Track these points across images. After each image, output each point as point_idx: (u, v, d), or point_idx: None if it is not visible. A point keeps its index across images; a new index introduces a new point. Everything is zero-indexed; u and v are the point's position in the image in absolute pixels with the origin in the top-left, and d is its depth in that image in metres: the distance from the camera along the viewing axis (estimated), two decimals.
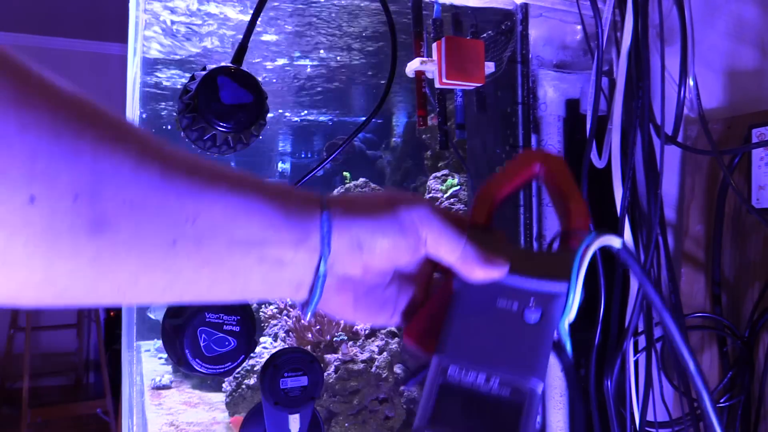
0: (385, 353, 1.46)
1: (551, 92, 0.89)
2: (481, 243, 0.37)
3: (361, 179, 2.33)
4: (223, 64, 0.61)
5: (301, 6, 1.22)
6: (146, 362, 2.09)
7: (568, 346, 0.38)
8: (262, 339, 1.76)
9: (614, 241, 0.36)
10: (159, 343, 2.15)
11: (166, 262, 0.30)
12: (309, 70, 1.80)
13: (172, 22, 1.31)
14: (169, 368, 2.00)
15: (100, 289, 0.29)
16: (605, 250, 0.37)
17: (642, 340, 0.81)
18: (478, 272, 0.37)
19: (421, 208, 0.37)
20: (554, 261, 0.38)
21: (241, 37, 0.64)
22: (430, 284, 0.41)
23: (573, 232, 0.39)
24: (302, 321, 1.52)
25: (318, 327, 1.51)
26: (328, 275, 0.36)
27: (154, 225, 0.29)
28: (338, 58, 1.64)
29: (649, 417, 0.78)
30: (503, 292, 0.37)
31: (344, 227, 0.35)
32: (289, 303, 1.69)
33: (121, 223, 0.28)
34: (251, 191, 0.33)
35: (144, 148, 0.29)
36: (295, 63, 1.73)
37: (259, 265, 0.33)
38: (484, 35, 0.95)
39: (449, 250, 0.37)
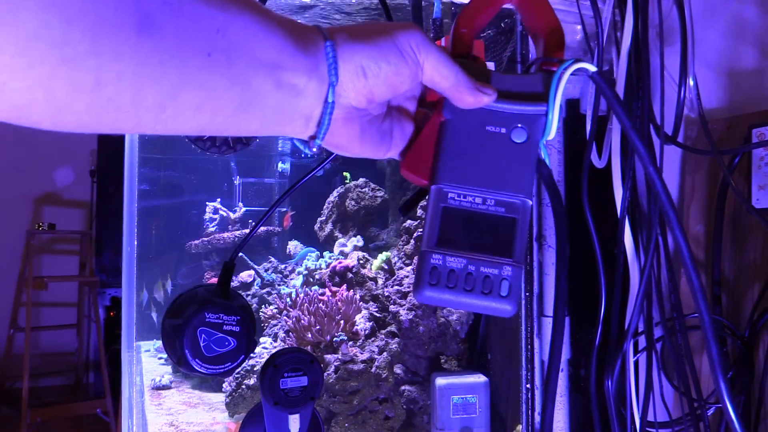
0: (385, 353, 1.45)
1: None
2: (469, 71, 0.40)
3: (361, 179, 2.32)
4: None
5: (300, 7, 1.22)
6: (146, 362, 2.09)
7: (547, 159, 0.42)
8: (262, 339, 1.76)
9: (588, 66, 0.40)
10: (159, 343, 2.15)
11: (202, 74, 0.31)
12: None
13: None
14: (169, 368, 2.00)
15: (145, 99, 0.30)
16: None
17: (642, 341, 0.81)
18: (470, 98, 0.40)
19: (416, 33, 0.38)
20: (534, 84, 0.41)
21: None
22: (419, 116, 0.43)
23: (550, 58, 0.42)
24: (302, 321, 1.52)
25: (318, 327, 1.51)
26: (335, 105, 0.37)
27: (192, 32, 0.30)
28: None
29: (650, 417, 0.78)
30: (491, 117, 0.41)
31: (348, 55, 0.36)
32: (290, 303, 1.68)
33: (165, 26, 0.29)
34: (261, 14, 0.34)
35: None
36: None
37: (277, 90, 0.35)
38: (484, 35, 0.95)
39: (445, 76, 0.39)
